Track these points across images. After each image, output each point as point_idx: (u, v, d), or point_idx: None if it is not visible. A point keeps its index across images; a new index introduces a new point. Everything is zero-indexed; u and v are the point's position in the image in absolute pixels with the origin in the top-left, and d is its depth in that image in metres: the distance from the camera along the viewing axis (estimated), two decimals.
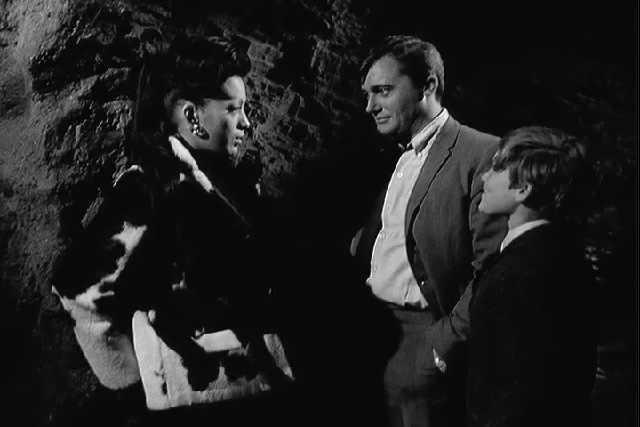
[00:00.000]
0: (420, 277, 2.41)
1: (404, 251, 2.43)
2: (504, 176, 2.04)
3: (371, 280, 2.50)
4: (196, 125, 2.08)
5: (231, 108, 2.11)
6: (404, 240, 2.42)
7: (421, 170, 2.46)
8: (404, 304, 2.45)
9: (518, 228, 2.04)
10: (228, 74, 2.09)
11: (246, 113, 2.21)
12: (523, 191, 2.00)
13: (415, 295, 2.43)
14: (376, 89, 2.44)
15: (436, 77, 2.47)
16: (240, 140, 2.18)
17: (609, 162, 3.90)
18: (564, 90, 3.81)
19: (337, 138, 3.22)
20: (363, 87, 2.49)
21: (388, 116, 2.46)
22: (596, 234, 4.09)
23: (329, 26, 3.05)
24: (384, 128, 2.49)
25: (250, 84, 2.91)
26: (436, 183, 2.41)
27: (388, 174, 2.55)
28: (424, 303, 2.43)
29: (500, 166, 2.05)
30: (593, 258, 4.08)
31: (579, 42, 3.70)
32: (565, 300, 1.91)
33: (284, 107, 3.07)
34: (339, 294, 2.61)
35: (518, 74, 3.73)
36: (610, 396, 3.77)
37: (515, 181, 2.01)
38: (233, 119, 2.12)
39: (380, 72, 2.42)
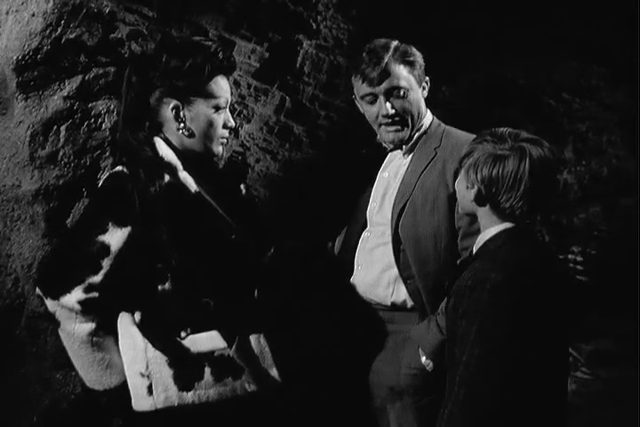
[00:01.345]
0: (405, 276, 2.41)
1: (389, 250, 2.43)
2: (462, 176, 2.05)
3: (355, 279, 2.50)
4: (182, 124, 2.08)
5: (217, 108, 2.11)
6: (389, 239, 2.43)
7: (407, 169, 2.47)
8: (389, 304, 2.45)
9: (488, 230, 2.04)
10: (214, 73, 2.09)
11: (232, 113, 2.21)
12: (473, 191, 2.01)
13: (401, 295, 2.44)
14: (390, 92, 2.40)
15: (428, 78, 2.48)
16: (225, 141, 2.18)
17: (594, 162, 3.93)
18: (549, 90, 3.83)
19: (323, 138, 3.22)
20: (371, 91, 2.41)
21: (403, 122, 2.43)
22: (582, 234, 4.11)
23: (315, 26, 3.06)
24: (397, 137, 2.46)
25: (236, 84, 2.91)
26: (422, 182, 2.42)
27: (373, 174, 2.55)
28: (410, 303, 2.43)
29: (460, 166, 2.06)
30: (578, 258, 4.10)
31: (564, 42, 3.72)
32: (529, 305, 1.89)
33: (269, 107, 3.06)
34: (324, 293, 2.61)
35: (504, 74, 3.75)
36: (599, 395, 3.80)
37: (467, 181, 2.02)
38: (219, 119, 2.12)
39: (395, 73, 2.39)
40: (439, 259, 2.39)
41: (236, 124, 2.21)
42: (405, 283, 2.42)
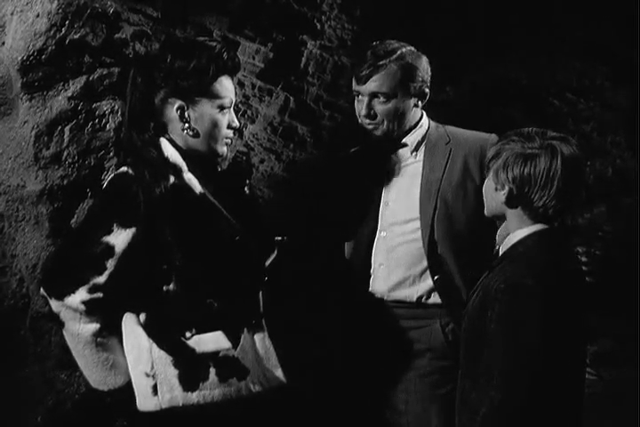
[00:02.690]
0: (434, 271, 2.45)
1: (413, 248, 2.46)
2: (490, 178, 2.03)
3: (376, 279, 2.52)
4: (187, 125, 2.08)
5: (222, 108, 2.11)
6: (412, 236, 2.46)
7: (424, 167, 2.50)
8: (415, 300, 2.48)
9: (517, 232, 2.02)
10: (218, 74, 2.09)
11: (236, 114, 2.21)
12: (504, 193, 2.00)
13: (426, 291, 2.47)
14: (375, 95, 2.43)
15: (428, 91, 2.50)
16: (229, 141, 2.18)
17: (598, 163, 3.92)
18: (553, 90, 3.82)
19: (327, 138, 3.22)
20: (357, 89, 2.46)
21: (379, 123, 2.46)
22: (586, 234, 4.10)
23: (319, 26, 3.05)
24: (374, 134, 2.50)
25: (240, 84, 2.91)
26: (449, 179, 2.47)
27: (374, 175, 2.56)
28: (435, 298, 2.46)
29: (488, 168, 2.05)
30: (583, 258, 4.10)
31: (567, 42, 3.72)
32: (563, 310, 1.89)
33: (274, 107, 3.06)
34: (333, 294, 2.61)
35: (507, 74, 3.74)
36: (600, 395, 3.79)
37: (497, 183, 2.00)
38: (223, 119, 2.12)
39: (382, 79, 2.41)
40: (478, 251, 2.44)
41: (240, 124, 2.21)
42: (433, 278, 2.45)
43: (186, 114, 2.07)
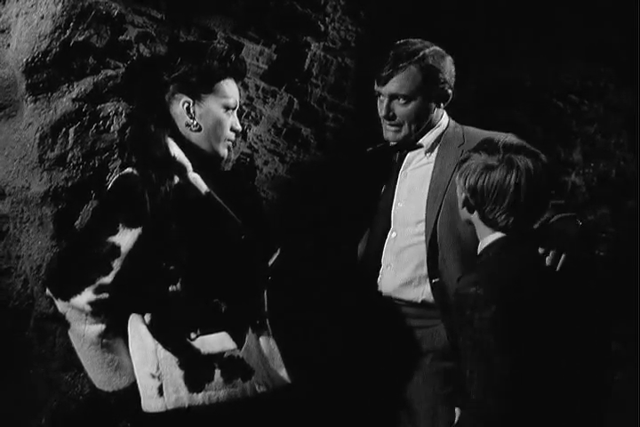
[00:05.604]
0: (433, 274, 2.43)
1: (420, 250, 2.45)
2: (456, 181, 2.05)
3: (384, 279, 2.51)
4: (192, 120, 2.10)
5: (226, 108, 2.13)
6: (420, 238, 2.45)
7: (434, 169, 2.49)
8: (420, 301, 2.47)
9: (485, 239, 2.04)
10: (227, 75, 2.13)
11: (240, 115, 2.23)
12: (462, 198, 2.01)
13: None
14: (394, 96, 2.42)
15: (451, 92, 2.49)
16: (231, 143, 2.20)
17: (602, 164, 3.91)
18: (556, 92, 3.82)
19: (331, 140, 3.22)
20: (378, 89, 2.45)
21: (400, 125, 2.46)
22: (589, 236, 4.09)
23: (323, 28, 3.06)
24: (393, 136, 2.49)
25: (244, 86, 2.91)
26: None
27: (388, 175, 2.56)
28: (432, 300, 2.45)
29: (456, 170, 2.06)
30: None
31: (571, 44, 3.71)
32: (514, 317, 1.88)
33: (277, 109, 3.06)
34: (338, 294, 2.61)
35: (511, 76, 3.74)
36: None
37: (460, 187, 2.02)
38: (227, 119, 2.15)
39: (402, 81, 2.40)
40: None
41: (243, 126, 2.22)
42: (431, 281, 2.44)
43: (191, 109, 2.09)
